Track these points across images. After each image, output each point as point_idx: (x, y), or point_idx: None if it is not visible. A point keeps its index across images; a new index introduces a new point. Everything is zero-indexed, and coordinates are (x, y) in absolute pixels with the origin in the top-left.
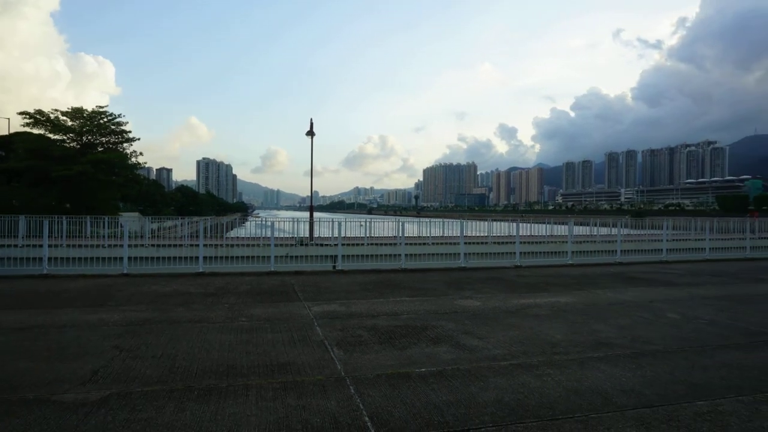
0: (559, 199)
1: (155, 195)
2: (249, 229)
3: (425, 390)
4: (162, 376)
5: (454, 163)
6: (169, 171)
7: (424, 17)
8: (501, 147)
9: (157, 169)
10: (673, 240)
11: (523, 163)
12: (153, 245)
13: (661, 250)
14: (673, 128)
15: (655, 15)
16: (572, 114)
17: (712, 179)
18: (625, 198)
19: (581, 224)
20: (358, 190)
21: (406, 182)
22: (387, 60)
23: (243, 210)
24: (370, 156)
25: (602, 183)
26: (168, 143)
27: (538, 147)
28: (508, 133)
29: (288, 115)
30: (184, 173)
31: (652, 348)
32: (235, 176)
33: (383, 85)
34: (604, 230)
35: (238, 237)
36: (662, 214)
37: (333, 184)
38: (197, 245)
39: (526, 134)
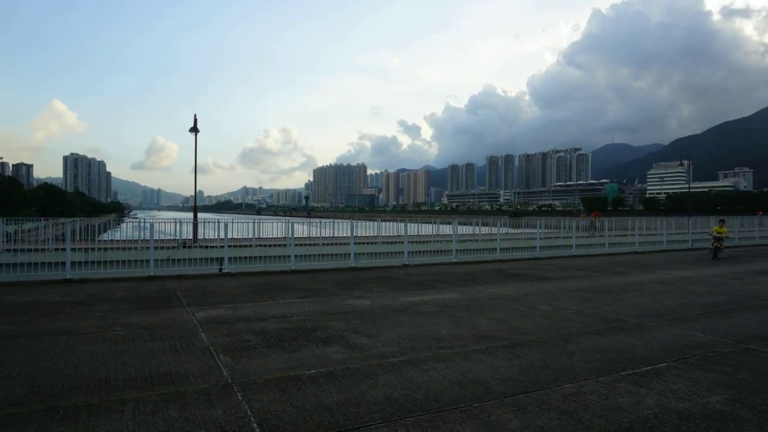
0: (445, 200)
1: (12, 194)
2: (125, 231)
3: (315, 391)
4: (19, 398)
5: (345, 164)
6: (29, 167)
7: (336, 7)
8: (405, 145)
9: (14, 165)
10: (546, 238)
11: (424, 162)
12: (8, 250)
13: (535, 247)
14: (564, 131)
15: (557, 20)
16: (470, 113)
17: (578, 182)
18: (504, 199)
19: (465, 224)
20: (246, 190)
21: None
22: (300, 52)
23: (118, 210)
24: (270, 152)
25: (484, 185)
26: (28, 134)
27: (435, 146)
28: (411, 131)
29: (178, 107)
30: (50, 170)
31: (528, 338)
32: (109, 174)
33: (290, 80)
34: (485, 230)
35: (112, 240)
36: (536, 214)
37: (223, 182)
38: (64, 249)
39: (427, 133)
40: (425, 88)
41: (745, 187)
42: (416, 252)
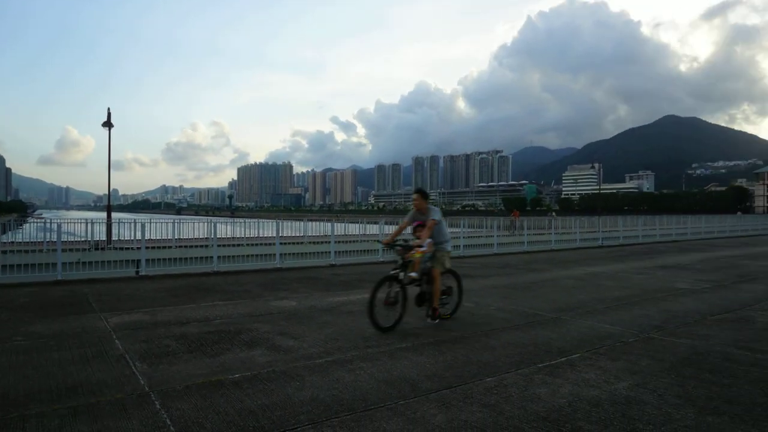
0: (372, 199)
1: None
2: (28, 232)
3: (240, 396)
4: None
5: (271, 162)
6: None
7: (275, 4)
8: (341, 142)
9: None
10: (469, 237)
11: (361, 159)
12: None
13: (459, 246)
14: (502, 131)
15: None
16: (407, 111)
17: (499, 183)
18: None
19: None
20: (165, 189)
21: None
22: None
23: (20, 210)
24: (199, 147)
25: (410, 185)
26: None
27: (370, 144)
28: (346, 128)
29: (95, 98)
30: None
31: (452, 335)
32: (9, 170)
33: (225, 75)
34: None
35: (12, 242)
36: (460, 213)
37: (141, 180)
38: None
39: (362, 131)
40: (358, 86)
41: (647, 188)
42: (343, 252)
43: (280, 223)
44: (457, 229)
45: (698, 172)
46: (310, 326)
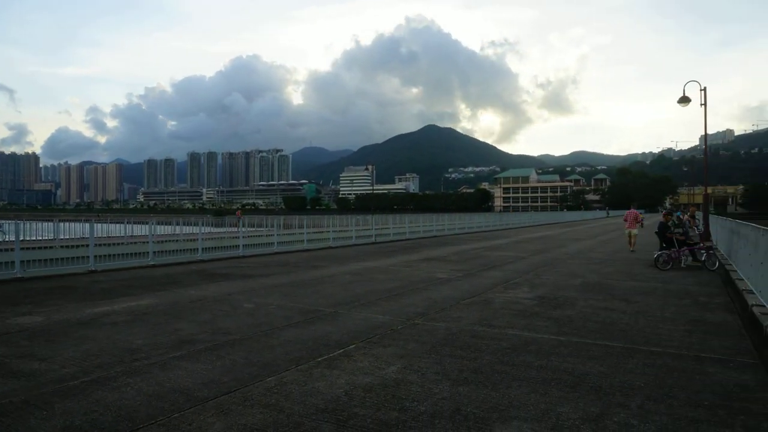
0: (141, 197)
1: None
2: None
3: None
4: None
5: (7, 152)
6: None
7: None
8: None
9: None
10: (249, 237)
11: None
12: None
13: (238, 246)
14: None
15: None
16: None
17: (280, 182)
18: (207, 197)
19: (164, 224)
20: None
21: None
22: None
23: None
24: None
25: (185, 182)
26: None
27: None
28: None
29: None
30: None
31: (231, 338)
32: None
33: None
34: (187, 229)
35: None
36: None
37: None
38: None
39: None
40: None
41: (413, 189)
42: (105, 255)
43: (22, 225)
44: (234, 229)
45: (453, 175)
46: (63, 344)
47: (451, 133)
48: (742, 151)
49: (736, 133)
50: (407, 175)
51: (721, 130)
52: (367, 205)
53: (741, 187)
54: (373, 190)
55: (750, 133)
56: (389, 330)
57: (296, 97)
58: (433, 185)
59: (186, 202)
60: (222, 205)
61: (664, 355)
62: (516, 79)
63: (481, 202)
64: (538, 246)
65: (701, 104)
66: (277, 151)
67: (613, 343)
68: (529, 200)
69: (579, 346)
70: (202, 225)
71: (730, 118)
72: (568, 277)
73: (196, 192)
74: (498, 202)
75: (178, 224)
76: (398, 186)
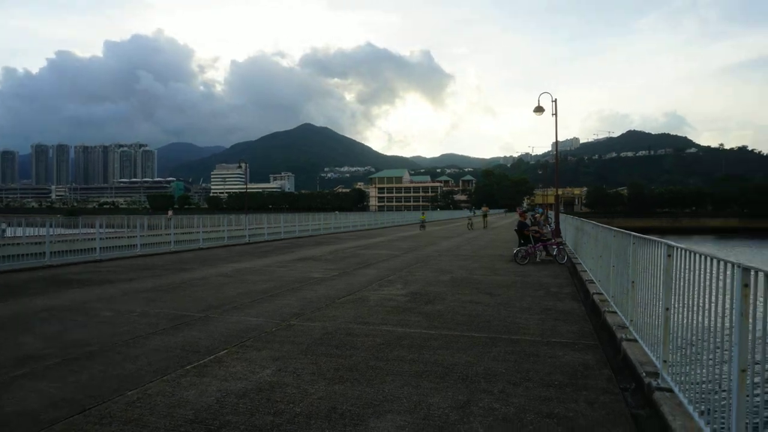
0: None
1: None
2: None
3: None
4: None
5: None
6: None
7: None
8: None
9: None
10: (108, 238)
11: None
12: None
13: (95, 249)
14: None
15: None
16: None
17: (144, 179)
18: (57, 195)
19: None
20: None
21: None
22: None
23: None
24: None
25: (29, 178)
26: None
27: None
28: None
29: None
30: None
31: (87, 350)
32: None
33: None
34: (31, 231)
35: None
36: (98, 212)
37: None
38: None
39: None
40: None
41: (288, 188)
42: None
43: None
44: (92, 230)
45: (330, 175)
46: None
47: (327, 132)
48: (586, 157)
49: (581, 141)
50: (283, 174)
51: (569, 137)
52: (240, 204)
53: (585, 189)
54: (247, 188)
55: (592, 142)
56: (263, 333)
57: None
58: (310, 184)
59: (31, 200)
60: (75, 204)
61: (522, 342)
62: (392, 82)
63: (356, 202)
64: (411, 244)
65: (552, 114)
66: (141, 146)
67: (479, 334)
68: (403, 200)
69: (448, 338)
70: (51, 225)
71: (578, 127)
72: (439, 273)
73: (43, 189)
74: (373, 202)
75: (20, 225)
76: (273, 185)
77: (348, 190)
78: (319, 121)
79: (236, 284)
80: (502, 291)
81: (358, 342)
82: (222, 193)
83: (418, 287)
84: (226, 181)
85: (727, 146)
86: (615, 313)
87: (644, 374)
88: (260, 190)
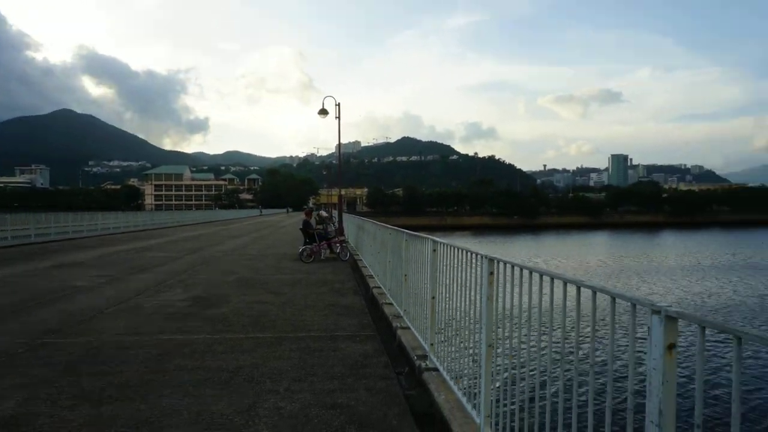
0: None
1: None
2: None
3: None
4: None
5: None
6: None
7: None
8: None
9: None
10: None
11: None
12: None
13: None
14: None
15: None
16: None
17: None
18: None
19: None
20: None
21: None
22: None
23: None
24: None
25: None
26: None
27: None
28: None
29: None
30: None
31: None
32: None
33: None
34: None
35: None
36: None
37: None
38: None
39: None
40: None
41: (42, 184)
42: None
43: None
44: None
45: (95, 169)
46: None
47: (92, 120)
48: (366, 160)
49: (362, 144)
50: (33, 167)
51: (351, 140)
52: None
53: (366, 189)
54: None
55: (372, 145)
56: (5, 356)
57: None
58: (69, 179)
59: None
60: None
61: (307, 338)
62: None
63: (129, 200)
64: (193, 245)
65: (336, 117)
66: None
67: (265, 334)
68: (184, 198)
69: (233, 341)
70: None
71: (360, 129)
72: (223, 274)
73: None
74: (150, 200)
75: None
76: (21, 179)
77: (118, 187)
78: (81, 107)
79: None
80: (287, 289)
81: (131, 355)
82: None
83: (201, 290)
84: None
85: (480, 155)
86: (391, 304)
87: (415, 357)
88: (2, 186)
